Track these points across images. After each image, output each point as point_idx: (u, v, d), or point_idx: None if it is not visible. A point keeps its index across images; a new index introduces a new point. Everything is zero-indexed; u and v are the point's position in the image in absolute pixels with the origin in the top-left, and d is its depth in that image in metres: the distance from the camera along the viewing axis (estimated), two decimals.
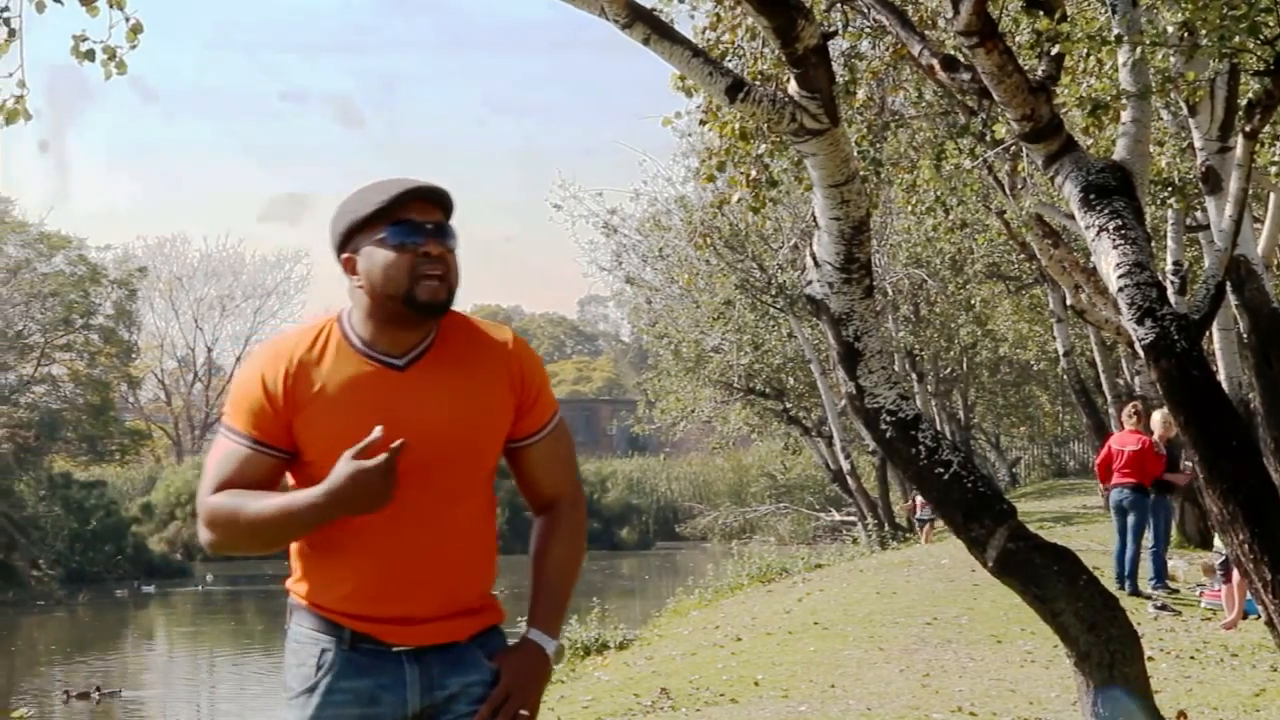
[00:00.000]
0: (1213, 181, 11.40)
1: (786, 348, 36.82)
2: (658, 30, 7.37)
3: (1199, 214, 14.44)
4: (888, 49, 12.68)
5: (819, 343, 32.97)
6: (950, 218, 17.41)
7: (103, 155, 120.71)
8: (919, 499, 32.45)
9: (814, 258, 7.98)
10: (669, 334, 38.92)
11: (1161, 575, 18.11)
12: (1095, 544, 18.55)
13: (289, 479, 4.07)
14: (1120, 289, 7.80)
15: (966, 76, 8.33)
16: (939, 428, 25.47)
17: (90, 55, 8.56)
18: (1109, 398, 28.33)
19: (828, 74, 7.32)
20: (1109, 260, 7.87)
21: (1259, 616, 15.36)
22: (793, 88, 7.31)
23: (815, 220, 7.98)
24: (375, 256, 3.97)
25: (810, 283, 8.02)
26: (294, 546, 4.10)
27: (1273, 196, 15.25)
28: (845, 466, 36.09)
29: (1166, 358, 7.76)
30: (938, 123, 15.19)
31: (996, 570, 7.81)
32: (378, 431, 3.78)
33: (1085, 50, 10.09)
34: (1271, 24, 8.54)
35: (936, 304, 37.49)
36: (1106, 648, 7.60)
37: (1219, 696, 11.78)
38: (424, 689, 4.04)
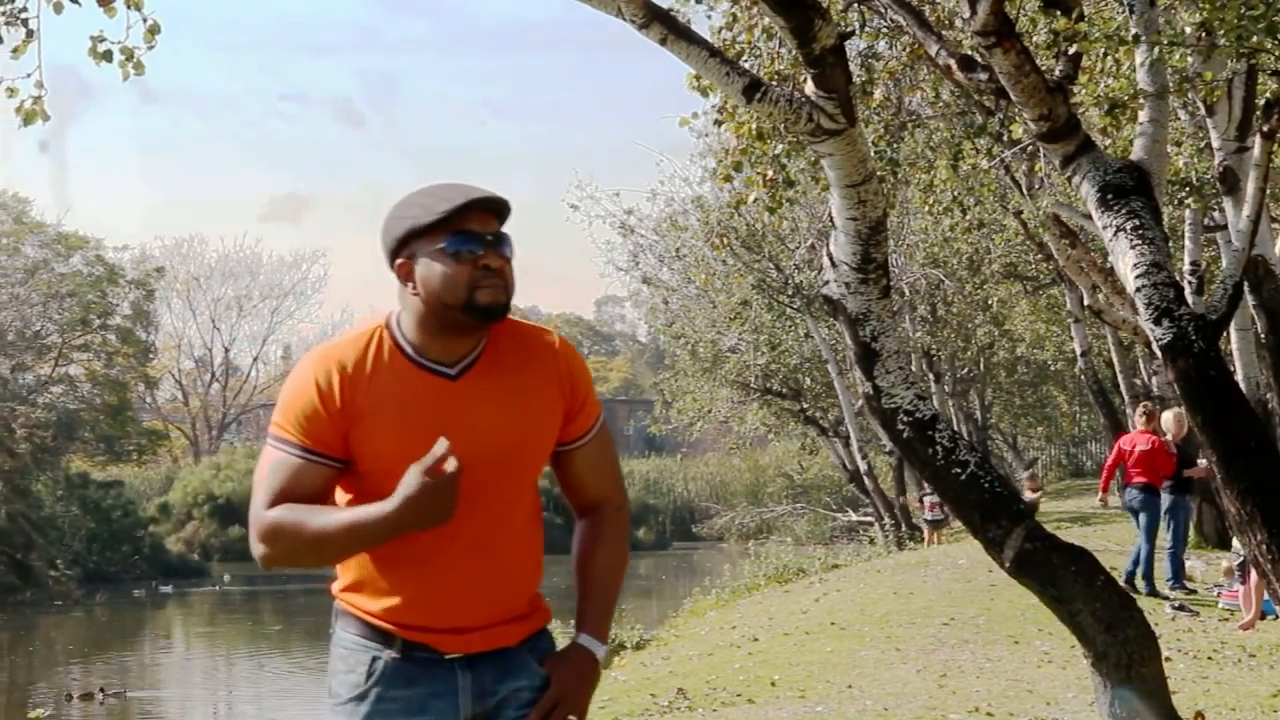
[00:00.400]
0: (1230, 181, 11.38)
1: (803, 348, 36.80)
2: (674, 30, 7.37)
3: (1216, 214, 14.42)
4: (905, 49, 12.67)
5: (836, 343, 32.95)
6: (967, 218, 17.40)
7: (102, 155, 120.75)
8: (928, 500, 32.44)
9: (831, 258, 7.97)
10: (686, 334, 38.90)
11: (1179, 576, 18.08)
12: (1113, 544, 18.54)
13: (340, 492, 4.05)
14: (1138, 289, 7.79)
15: (984, 76, 8.32)
16: (956, 428, 25.38)
17: (108, 56, 8.58)
18: (1126, 398, 28.27)
19: (845, 74, 7.31)
20: (1126, 260, 7.86)
21: (1277, 617, 15.38)
22: (810, 88, 7.31)
23: (832, 220, 7.98)
24: (434, 266, 3.90)
25: (827, 283, 8.02)
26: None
27: None
28: (862, 467, 36.06)
29: (1184, 358, 7.76)
30: (955, 123, 15.17)
31: (1013, 570, 7.81)
32: (444, 445, 3.73)
33: (1103, 50, 10.08)
34: None
35: (954, 304, 37.42)
36: (1124, 648, 7.60)
37: (1237, 697, 11.76)
38: (476, 696, 4.02)
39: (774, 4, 7.04)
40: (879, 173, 8.69)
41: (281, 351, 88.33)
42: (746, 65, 10.40)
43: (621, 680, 15.81)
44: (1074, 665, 12.49)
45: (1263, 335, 14.89)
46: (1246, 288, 10.26)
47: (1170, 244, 9.66)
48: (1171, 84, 9.52)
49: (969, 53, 9.05)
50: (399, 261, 3.98)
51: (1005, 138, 12.02)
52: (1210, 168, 12.96)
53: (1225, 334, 13.63)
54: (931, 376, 37.39)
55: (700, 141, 35.33)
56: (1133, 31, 8.65)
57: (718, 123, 11.69)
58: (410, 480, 3.74)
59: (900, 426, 8.01)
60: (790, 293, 34.01)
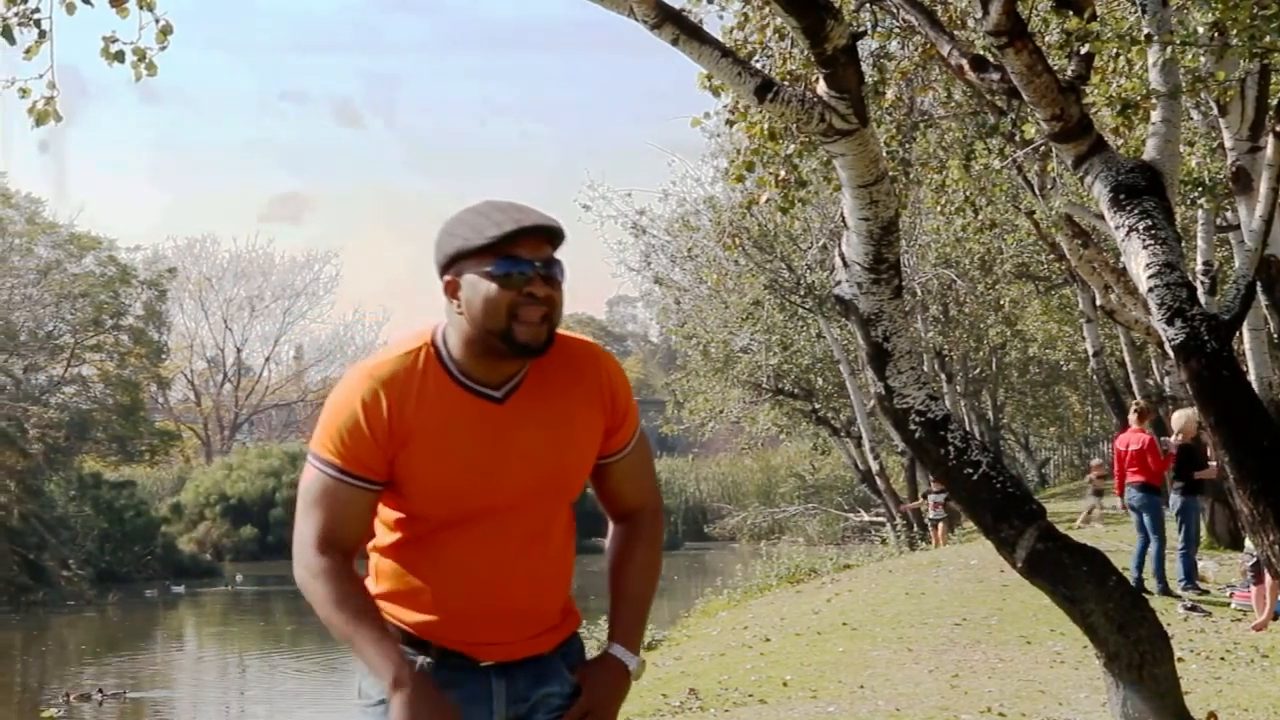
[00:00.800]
0: (1243, 181, 11.37)
1: (815, 348, 36.81)
2: (686, 31, 7.37)
3: (1229, 214, 14.41)
4: (917, 49, 12.67)
5: (848, 343, 32.96)
6: (979, 218, 17.38)
7: (102, 155, 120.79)
8: (932, 499, 32.41)
9: (843, 258, 7.97)
10: (698, 334, 38.92)
11: (1191, 576, 18.07)
12: (1125, 545, 18.50)
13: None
14: (1150, 289, 7.79)
15: (996, 76, 8.32)
16: (968, 428, 25.40)
17: (120, 56, 8.59)
18: (1139, 398, 28.26)
19: (857, 74, 7.31)
20: (1139, 260, 7.86)
21: None
22: (822, 88, 7.31)
23: (844, 221, 7.97)
24: (479, 288, 3.84)
25: (839, 283, 8.01)
26: (376, 564, 4.05)
27: None
28: (874, 467, 36.07)
29: (1196, 358, 7.75)
30: (967, 123, 15.16)
31: (1026, 571, 7.80)
32: None
33: (1115, 50, 10.08)
34: None
35: (966, 304, 37.42)
36: (1136, 648, 7.59)
37: (1249, 698, 11.75)
38: (509, 701, 4.01)
39: (786, 4, 7.04)
40: (891, 173, 8.69)
41: (294, 352, 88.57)
42: (758, 65, 10.41)
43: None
44: (1086, 666, 12.48)
45: (1275, 335, 14.90)
46: (1259, 288, 10.26)
47: (1183, 244, 9.65)
48: (1184, 84, 9.51)
49: (981, 53, 9.05)
50: (447, 278, 3.93)
51: (1017, 138, 12.01)
52: (1223, 168, 12.95)
53: (1238, 334, 13.62)
54: (944, 377, 37.38)
55: (712, 142, 35.37)
56: (1145, 31, 8.65)
57: (730, 123, 11.69)
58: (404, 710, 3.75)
59: (912, 427, 8.01)
60: (802, 293, 34.01)
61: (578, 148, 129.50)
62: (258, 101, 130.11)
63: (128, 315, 61.46)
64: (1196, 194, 14.37)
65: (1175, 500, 18.27)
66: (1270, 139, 9.83)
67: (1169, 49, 8.63)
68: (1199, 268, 14.53)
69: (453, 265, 3.92)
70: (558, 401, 3.99)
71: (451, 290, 3.91)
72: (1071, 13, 8.32)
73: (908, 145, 14.31)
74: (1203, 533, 21.80)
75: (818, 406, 39.44)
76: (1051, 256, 25.08)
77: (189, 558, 58.69)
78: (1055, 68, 8.39)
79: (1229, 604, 16.87)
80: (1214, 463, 18.03)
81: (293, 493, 56.30)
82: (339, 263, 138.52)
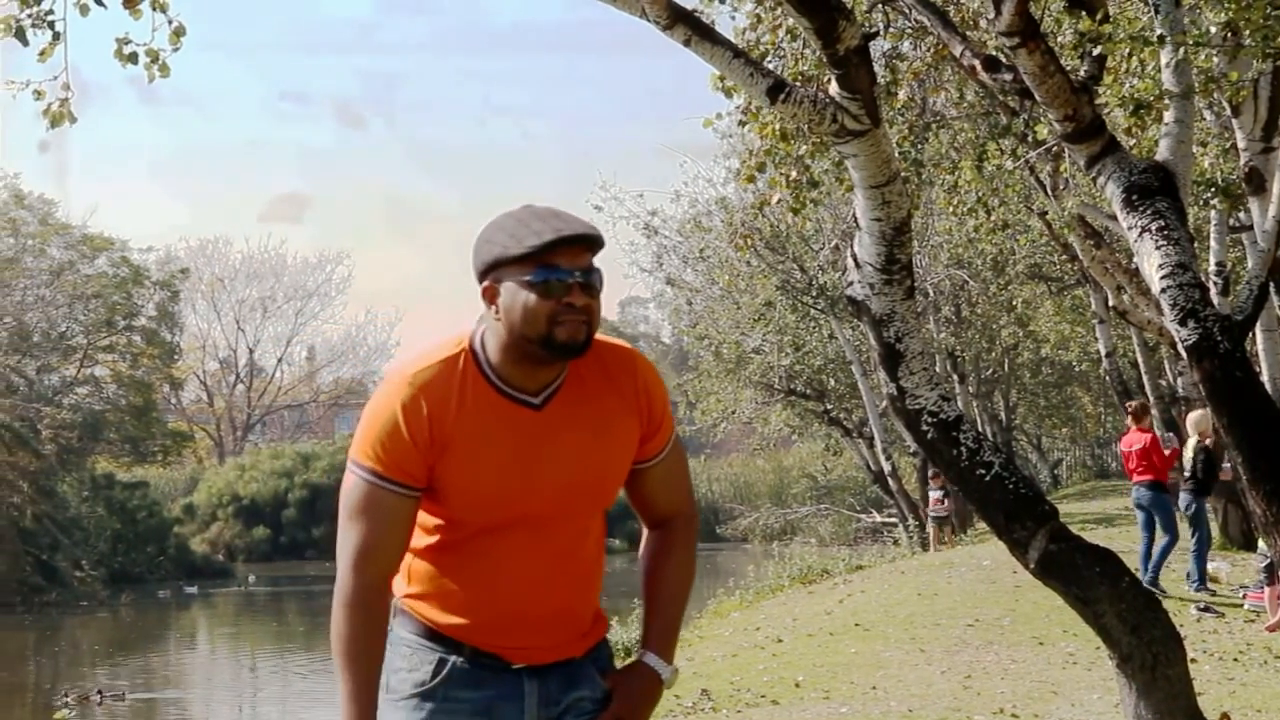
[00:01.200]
0: (1256, 182, 11.35)
1: (827, 349, 36.80)
2: (699, 32, 7.37)
3: (1242, 215, 14.38)
4: (929, 50, 12.67)
5: (860, 344, 32.95)
6: (992, 219, 17.37)
7: (102, 156, 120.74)
8: (932, 495, 32.42)
9: (855, 259, 7.96)
10: (710, 335, 38.91)
11: (1203, 577, 18.07)
12: (1138, 545, 18.51)
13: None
14: (1163, 290, 7.78)
15: (1008, 77, 8.31)
16: (980, 429, 25.36)
17: (134, 58, 8.60)
18: (1151, 399, 28.21)
19: (869, 75, 7.30)
20: (1151, 261, 7.85)
21: None
22: (834, 89, 7.31)
23: (856, 221, 7.97)
24: (518, 296, 3.84)
25: (851, 284, 8.01)
26: (410, 565, 4.04)
27: None
28: (886, 468, 36.05)
29: (1209, 359, 7.74)
30: (979, 123, 15.16)
31: (1038, 572, 7.79)
32: None
33: (1128, 50, 10.06)
34: None
35: (978, 305, 37.39)
36: (1149, 649, 7.58)
37: (1262, 698, 11.75)
38: (541, 704, 4.01)
39: (798, 5, 7.03)
40: (903, 174, 8.68)
41: (306, 352, 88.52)
42: (770, 66, 10.40)
43: None
44: (1099, 666, 12.48)
45: None
46: (1272, 288, 10.24)
47: (1195, 245, 9.63)
48: (1197, 84, 9.49)
49: (994, 53, 9.04)
50: (485, 284, 3.92)
51: (1030, 138, 12.01)
52: (1236, 168, 12.93)
53: (1251, 335, 13.60)
54: (956, 378, 37.36)
55: (724, 143, 35.38)
56: (1158, 32, 8.63)
57: (742, 124, 11.69)
58: None
59: (924, 428, 8.00)
60: (814, 294, 34.01)
61: (579, 148, 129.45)
62: (258, 102, 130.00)
63: (140, 316, 61.54)
64: (1209, 195, 14.34)
65: (1185, 500, 18.29)
66: None
67: (1182, 49, 8.61)
68: (1212, 268, 14.51)
69: (491, 272, 3.91)
70: (594, 408, 3.99)
71: (490, 296, 3.91)
72: (1084, 13, 8.31)
73: (920, 146, 14.30)
74: (1215, 534, 21.80)
75: (830, 407, 39.44)
76: (1064, 257, 25.08)
77: (201, 558, 58.74)
78: (1068, 68, 8.38)
79: (1242, 605, 16.86)
80: (1226, 464, 18.05)
81: (305, 493, 56.65)
82: (351, 264, 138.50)
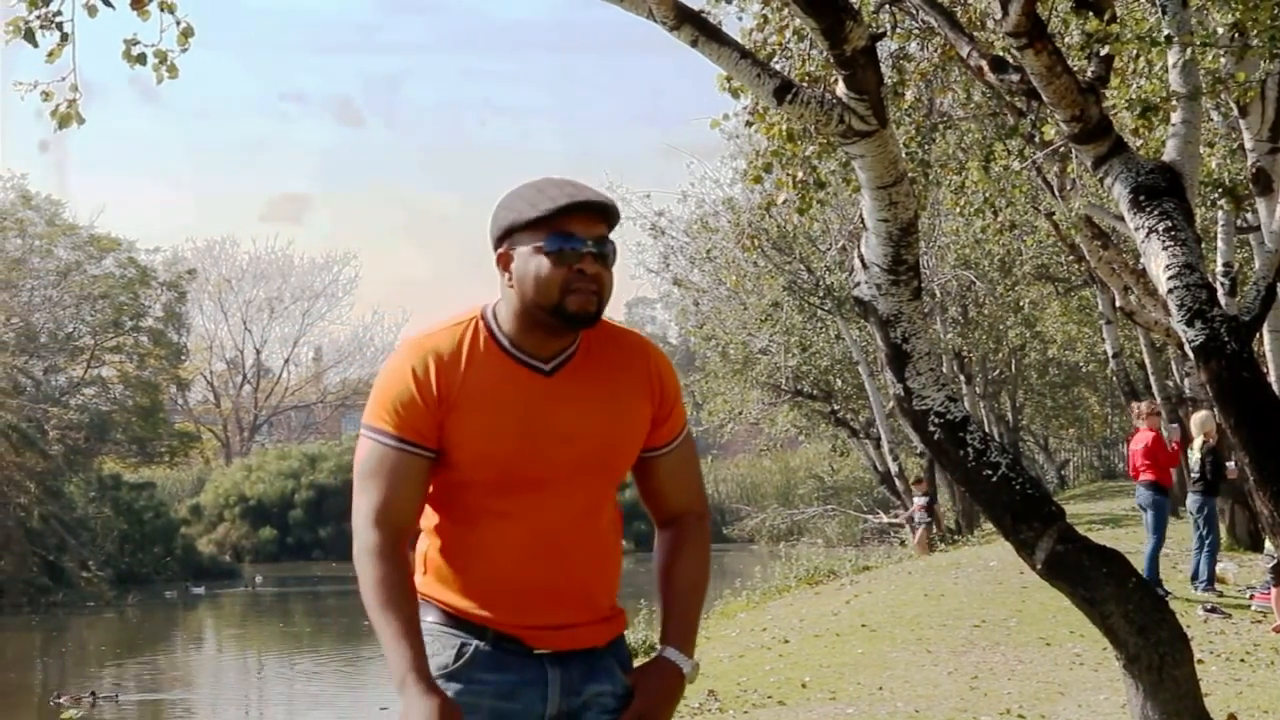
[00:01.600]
0: (1263, 183, 11.35)
1: (834, 349, 36.76)
2: (705, 32, 7.37)
3: (1249, 215, 14.37)
4: (936, 50, 12.66)
5: (867, 344, 32.94)
6: (999, 219, 17.37)
7: (101, 156, 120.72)
8: (918, 502, 32.54)
9: (862, 259, 7.96)
10: (716, 336, 38.88)
11: (1211, 578, 18.07)
12: (1144, 546, 18.52)
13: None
14: (1170, 290, 7.78)
15: (1015, 77, 8.31)
16: (987, 430, 25.38)
17: (142, 59, 8.61)
18: (1159, 400, 28.21)
19: (876, 75, 7.30)
20: (1158, 262, 7.85)
21: None
22: (841, 89, 7.31)
23: (863, 222, 7.97)
24: (530, 263, 3.90)
25: (858, 284, 8.01)
26: (426, 550, 4.06)
27: None
28: (893, 469, 36.04)
29: (1216, 359, 7.74)
30: (986, 124, 15.15)
31: (1045, 572, 7.79)
32: None
33: (1135, 51, 10.06)
34: None
35: (985, 306, 37.33)
36: (1156, 650, 7.57)
37: (1269, 699, 11.74)
38: (563, 692, 4.00)
39: (805, 5, 7.03)
40: (910, 174, 8.68)
41: (313, 353, 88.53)
42: (777, 67, 10.41)
43: None
44: (1106, 667, 12.48)
45: None
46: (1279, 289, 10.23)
47: (1203, 245, 9.63)
48: (1204, 85, 9.50)
49: (1001, 54, 9.05)
50: (499, 251, 3.99)
51: (1037, 139, 11.99)
52: (1243, 169, 12.93)
53: (1258, 336, 13.59)
54: (963, 378, 37.31)
55: (731, 143, 35.38)
56: (1165, 33, 8.64)
57: (748, 124, 11.68)
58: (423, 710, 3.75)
59: (931, 428, 8.00)
60: (821, 294, 33.98)
61: (579, 148, 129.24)
62: (258, 102, 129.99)
63: (147, 317, 61.56)
64: (1216, 195, 14.33)
65: (1194, 501, 18.30)
66: None
67: (1189, 50, 8.62)
68: (1219, 269, 14.47)
69: (506, 239, 3.97)
70: (606, 381, 4.02)
71: (504, 263, 3.98)
72: (1091, 14, 8.31)
73: (927, 146, 14.28)
74: (1222, 534, 21.80)
75: (837, 408, 39.41)
76: (1071, 258, 25.03)
77: (208, 559, 58.79)
78: (1075, 69, 8.38)
79: (1249, 606, 16.86)
80: (1231, 464, 18.05)
81: (312, 494, 56.68)
82: (358, 264, 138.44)
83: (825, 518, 53.39)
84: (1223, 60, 10.26)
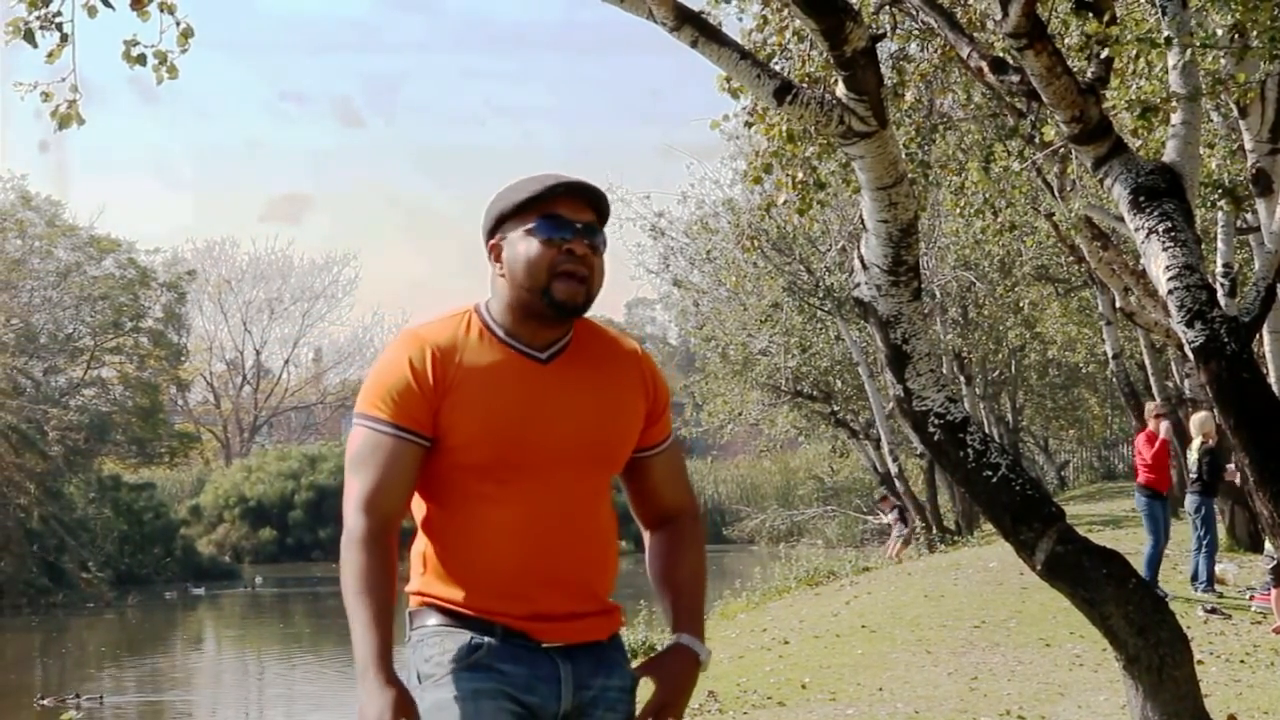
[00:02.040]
0: (1263, 183, 11.35)
1: (834, 350, 36.75)
2: (705, 33, 7.38)
3: (1249, 216, 14.37)
4: (936, 51, 12.66)
5: (867, 345, 32.93)
6: (999, 220, 17.36)
7: (101, 156, 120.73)
8: (889, 516, 32.74)
9: (862, 260, 7.97)
10: (717, 336, 38.88)
11: (1210, 579, 18.07)
12: (1145, 547, 18.52)
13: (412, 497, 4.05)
14: (1170, 291, 7.78)
15: (1015, 78, 8.31)
16: (987, 430, 25.40)
17: (142, 60, 8.61)
18: (1158, 400, 28.22)
19: (876, 76, 7.31)
20: (1158, 262, 7.85)
21: None
22: (841, 90, 7.31)
23: (863, 223, 7.97)
24: (518, 247, 3.96)
25: (858, 285, 8.01)
26: (421, 550, 4.06)
27: None
28: (893, 469, 36.01)
29: (1216, 360, 7.74)
30: (986, 125, 15.15)
31: (1045, 573, 7.79)
32: None
33: (1135, 52, 10.06)
34: None
35: (985, 306, 37.34)
36: (1156, 651, 7.58)
37: (1269, 700, 11.74)
38: (575, 687, 4.00)
39: (805, 6, 7.04)
40: (910, 175, 8.68)
41: (313, 354, 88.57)
42: (777, 67, 10.41)
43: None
44: (1106, 668, 12.48)
45: None
46: (1279, 290, 10.23)
47: (1203, 246, 9.63)
48: (1204, 86, 9.50)
49: (1001, 55, 9.05)
50: (491, 242, 4.05)
51: (1037, 140, 11.98)
52: (1243, 170, 12.93)
53: (1258, 336, 13.60)
54: (963, 379, 37.31)
55: (731, 144, 35.38)
56: (1165, 34, 8.64)
57: (748, 124, 11.69)
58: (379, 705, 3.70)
59: (931, 429, 8.00)
60: (821, 295, 33.97)
61: (579, 148, 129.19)
62: (258, 102, 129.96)
63: (147, 318, 61.59)
64: (1216, 196, 14.33)
65: (1193, 502, 18.32)
66: None
67: (1189, 51, 8.62)
68: (1219, 270, 14.47)
69: (498, 229, 4.04)
70: (601, 374, 4.06)
71: (496, 254, 4.04)
72: (1091, 15, 8.31)
73: (927, 147, 14.29)
74: (1222, 535, 21.81)
75: (836, 409, 39.39)
76: (1071, 259, 25.02)
77: (208, 560, 58.80)
78: (1075, 70, 8.38)
79: (1249, 607, 16.86)
80: (1230, 465, 18.06)
81: (311, 495, 56.77)
82: (358, 265, 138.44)
83: (825, 519, 53.41)
84: (1223, 61, 10.27)
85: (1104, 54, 8.48)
